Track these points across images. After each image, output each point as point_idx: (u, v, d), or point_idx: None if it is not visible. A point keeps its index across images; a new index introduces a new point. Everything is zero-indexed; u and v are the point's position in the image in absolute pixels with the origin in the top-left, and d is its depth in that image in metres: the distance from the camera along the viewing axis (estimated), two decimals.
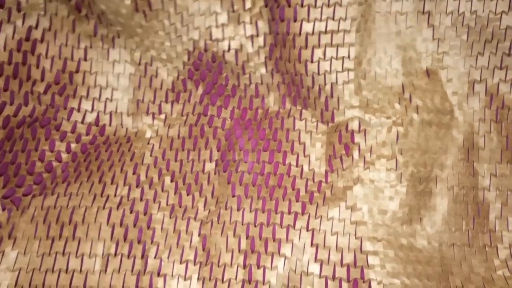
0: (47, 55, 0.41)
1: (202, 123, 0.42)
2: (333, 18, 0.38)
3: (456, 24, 0.39)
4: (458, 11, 0.38)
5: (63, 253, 0.35)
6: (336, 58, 0.39)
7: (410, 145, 0.39)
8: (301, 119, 0.42)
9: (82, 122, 0.42)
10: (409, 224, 0.38)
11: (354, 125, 0.39)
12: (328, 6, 0.38)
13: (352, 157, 0.39)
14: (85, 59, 0.42)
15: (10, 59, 0.39)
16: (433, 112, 0.39)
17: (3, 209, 0.37)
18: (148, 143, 0.41)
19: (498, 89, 0.39)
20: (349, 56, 0.39)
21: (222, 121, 0.43)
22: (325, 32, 0.38)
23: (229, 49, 0.41)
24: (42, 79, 0.40)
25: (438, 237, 0.38)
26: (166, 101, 0.43)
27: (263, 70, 0.42)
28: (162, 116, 0.43)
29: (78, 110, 0.41)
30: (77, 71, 0.41)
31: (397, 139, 0.39)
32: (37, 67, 0.40)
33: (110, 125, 0.42)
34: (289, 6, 0.38)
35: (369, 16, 0.38)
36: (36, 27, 0.40)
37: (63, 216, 0.36)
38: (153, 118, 0.43)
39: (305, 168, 0.40)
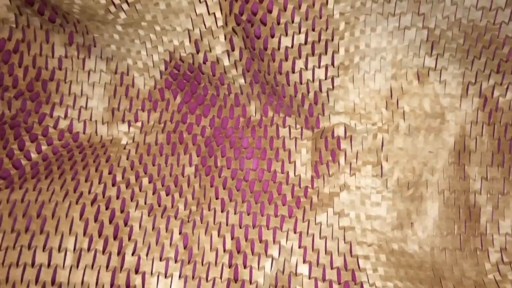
0: (21, 65, 0.40)
1: (180, 130, 0.41)
2: (313, 29, 0.37)
3: (452, 28, 0.38)
4: (455, 16, 0.38)
5: (29, 247, 0.33)
6: (319, 67, 0.38)
7: (395, 152, 0.39)
8: (284, 126, 0.41)
9: (55, 128, 0.40)
10: (400, 229, 0.38)
11: (340, 131, 0.39)
12: (307, 19, 0.37)
13: (339, 163, 0.39)
14: (60, 68, 0.41)
15: None
16: (421, 117, 0.39)
17: None
18: (124, 148, 0.40)
19: (493, 91, 0.39)
20: (333, 64, 0.38)
21: (201, 129, 0.42)
22: (305, 43, 0.37)
23: (204, 62, 0.40)
24: (14, 86, 0.40)
25: (429, 242, 0.38)
26: (143, 110, 0.42)
27: (241, 81, 0.41)
28: (139, 124, 0.42)
29: (51, 116, 0.40)
30: (51, 79, 0.40)
31: (382, 146, 0.38)
32: (10, 75, 0.40)
33: (84, 132, 0.41)
34: (265, 25, 0.37)
35: (357, 21, 0.37)
36: (9, 39, 0.40)
37: (31, 210, 0.35)
38: (129, 125, 0.41)
39: (291, 174, 0.40)
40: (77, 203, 0.35)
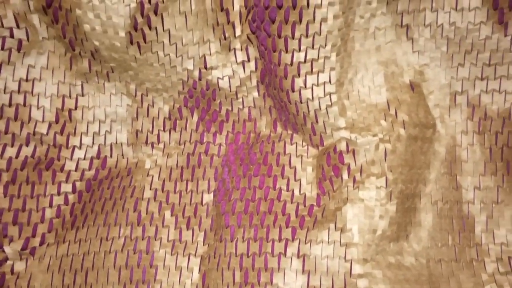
0: (46, 94, 0.40)
1: (199, 152, 0.42)
2: (312, 47, 0.37)
3: (436, 36, 0.38)
4: (437, 23, 0.38)
5: None
6: (317, 85, 0.38)
7: (398, 162, 0.38)
8: (291, 143, 0.41)
9: (84, 158, 0.42)
10: (396, 242, 0.38)
11: (342, 146, 0.39)
12: (307, 36, 0.37)
13: (341, 178, 0.38)
14: (83, 95, 0.41)
15: (11, 101, 0.39)
16: (418, 126, 0.39)
17: (20, 259, 0.38)
18: (148, 174, 0.42)
19: (480, 100, 0.39)
20: (330, 81, 0.38)
21: (218, 148, 0.43)
22: (304, 62, 0.37)
23: (222, 76, 0.41)
24: (43, 119, 0.40)
25: (425, 254, 0.38)
26: (164, 130, 0.43)
27: (255, 94, 0.42)
28: (161, 146, 0.43)
29: (80, 148, 0.41)
30: (75, 108, 0.41)
31: (385, 156, 0.38)
32: (38, 107, 0.40)
33: (111, 156, 0.42)
34: (269, 36, 0.37)
35: (348, 37, 0.38)
36: (34, 66, 0.39)
37: (75, 263, 0.38)
38: (152, 147, 0.43)
39: (296, 192, 0.40)
40: (110, 252, 0.38)
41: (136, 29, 0.38)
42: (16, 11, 0.38)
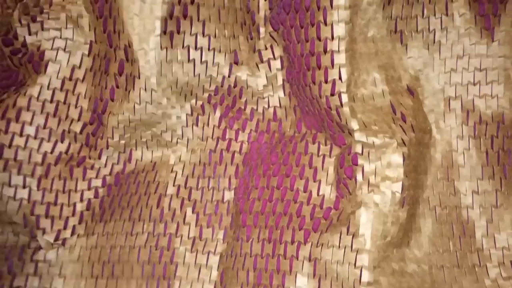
0: (86, 95, 0.41)
1: (221, 148, 0.42)
2: (332, 38, 0.37)
3: (428, 42, 0.39)
4: (429, 29, 0.38)
5: None
6: (326, 82, 0.37)
7: (411, 167, 0.37)
8: (314, 142, 0.40)
9: (112, 155, 0.42)
10: (399, 248, 0.37)
11: (357, 148, 0.37)
12: (326, 24, 0.36)
13: (356, 180, 0.36)
14: (112, 99, 0.42)
15: (52, 98, 0.39)
16: (421, 131, 0.39)
17: (52, 248, 0.40)
18: (172, 170, 0.42)
19: (474, 104, 0.39)
20: (340, 78, 0.37)
21: (239, 145, 0.42)
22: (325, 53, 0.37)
23: (252, 74, 0.41)
24: (79, 119, 0.41)
25: (427, 260, 0.37)
26: (187, 126, 0.43)
27: (281, 93, 0.42)
28: (185, 141, 0.43)
29: (107, 148, 0.42)
30: (103, 112, 0.42)
31: (404, 161, 0.36)
32: (76, 106, 0.41)
33: (136, 149, 0.43)
34: (291, 27, 0.38)
35: (353, 37, 0.37)
36: (80, 67, 0.40)
37: (103, 255, 0.39)
38: (177, 142, 0.43)
39: (314, 194, 0.39)
40: (134, 247, 0.39)
41: (171, 17, 0.39)
42: (69, 15, 0.39)
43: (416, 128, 0.38)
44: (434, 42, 0.38)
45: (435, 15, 0.38)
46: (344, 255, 0.35)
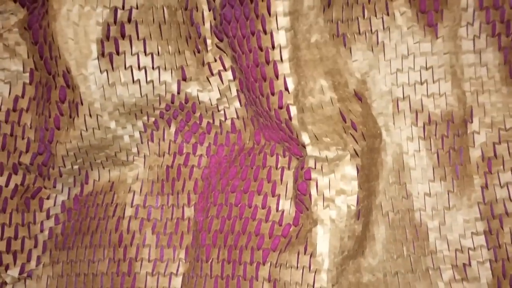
0: (31, 125, 0.40)
1: (178, 163, 0.41)
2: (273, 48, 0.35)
3: (371, 43, 0.37)
4: (371, 30, 0.37)
5: None
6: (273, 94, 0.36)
7: (364, 177, 0.36)
8: (272, 155, 0.39)
9: (68, 180, 0.42)
10: (354, 259, 0.37)
11: (310, 163, 0.36)
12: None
13: (310, 195, 0.36)
14: (58, 128, 0.40)
15: None
16: (372, 137, 0.38)
17: (19, 280, 0.39)
18: (129, 190, 0.41)
19: (422, 104, 0.38)
20: (287, 89, 0.36)
21: (198, 159, 0.41)
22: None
23: (202, 89, 0.40)
24: (27, 150, 0.40)
25: (381, 268, 0.37)
26: (142, 142, 0.42)
27: (237, 104, 0.40)
28: (141, 157, 0.42)
29: (61, 176, 0.41)
30: (50, 142, 0.40)
31: (358, 173, 0.36)
32: (22, 138, 0.40)
33: (92, 169, 0.42)
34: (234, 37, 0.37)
35: (296, 44, 0.36)
36: (23, 96, 0.39)
37: (69, 284, 0.39)
38: (133, 160, 0.42)
39: (273, 210, 0.38)
40: (96, 274, 0.39)
41: (108, 38, 0.36)
42: (6, 44, 0.38)
43: (366, 135, 0.37)
44: (377, 43, 0.37)
45: (376, 15, 0.36)
46: (302, 276, 0.35)
